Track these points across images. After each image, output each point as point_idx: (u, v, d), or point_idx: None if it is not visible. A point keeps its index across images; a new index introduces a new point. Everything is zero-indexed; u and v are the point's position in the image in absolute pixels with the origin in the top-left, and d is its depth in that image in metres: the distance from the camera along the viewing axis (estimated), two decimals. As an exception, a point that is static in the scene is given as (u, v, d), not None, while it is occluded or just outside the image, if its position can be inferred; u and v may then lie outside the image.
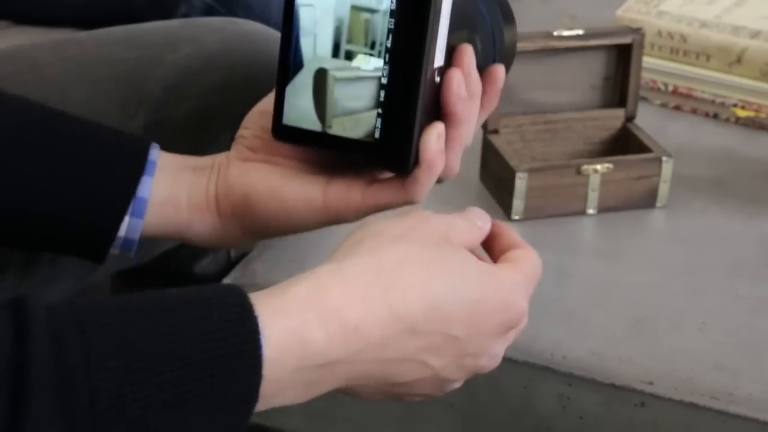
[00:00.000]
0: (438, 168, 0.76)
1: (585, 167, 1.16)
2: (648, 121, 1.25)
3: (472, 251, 0.73)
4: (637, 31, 1.22)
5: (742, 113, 1.34)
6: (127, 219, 0.81)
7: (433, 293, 0.68)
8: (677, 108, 1.37)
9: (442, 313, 0.69)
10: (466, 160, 0.82)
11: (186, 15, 1.38)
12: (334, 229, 0.84)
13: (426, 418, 1.02)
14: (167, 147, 0.84)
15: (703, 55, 1.37)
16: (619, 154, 1.20)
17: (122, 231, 0.81)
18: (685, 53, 1.38)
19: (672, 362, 0.98)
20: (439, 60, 0.75)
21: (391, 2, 0.73)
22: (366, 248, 0.70)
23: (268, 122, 0.78)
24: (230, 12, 1.37)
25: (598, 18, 1.38)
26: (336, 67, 0.75)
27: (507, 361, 0.76)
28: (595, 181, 1.16)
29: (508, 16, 0.84)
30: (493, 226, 0.76)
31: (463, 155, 0.79)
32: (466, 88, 0.76)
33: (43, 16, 1.42)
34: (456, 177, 0.80)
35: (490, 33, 0.81)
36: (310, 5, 0.75)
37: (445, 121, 0.76)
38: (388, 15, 0.74)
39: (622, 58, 1.23)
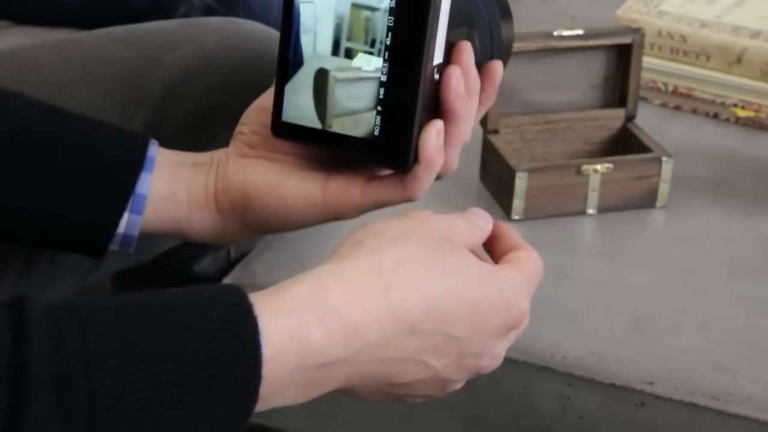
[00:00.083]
0: (437, 165, 0.76)
1: (585, 167, 1.16)
2: (648, 121, 1.25)
3: (474, 252, 0.73)
4: (637, 31, 1.22)
5: (742, 113, 1.34)
6: (126, 215, 0.81)
7: (433, 293, 0.68)
8: (677, 108, 1.37)
9: (442, 313, 0.68)
10: (466, 160, 0.82)
11: (186, 15, 1.38)
12: (334, 229, 0.84)
13: (426, 419, 1.02)
14: (167, 146, 0.84)
15: (703, 55, 1.37)
16: (619, 154, 1.20)
17: (121, 227, 0.81)
18: (685, 53, 1.38)
19: (672, 362, 0.98)
20: (438, 57, 0.75)
21: (391, 0, 0.73)
22: (366, 248, 0.70)
23: (267, 118, 0.78)
24: (230, 12, 1.37)
25: (598, 18, 1.38)
26: (336, 68, 0.75)
27: (507, 361, 0.76)
28: (595, 181, 1.16)
29: (506, 12, 0.84)
30: (494, 227, 0.76)
31: (462, 155, 0.79)
32: (465, 86, 0.76)
33: (43, 16, 1.42)
34: (456, 177, 0.80)
35: (488, 29, 0.81)
36: (310, 2, 0.75)
37: (444, 118, 0.76)
38: (387, 13, 0.74)
39: (622, 58, 1.22)
